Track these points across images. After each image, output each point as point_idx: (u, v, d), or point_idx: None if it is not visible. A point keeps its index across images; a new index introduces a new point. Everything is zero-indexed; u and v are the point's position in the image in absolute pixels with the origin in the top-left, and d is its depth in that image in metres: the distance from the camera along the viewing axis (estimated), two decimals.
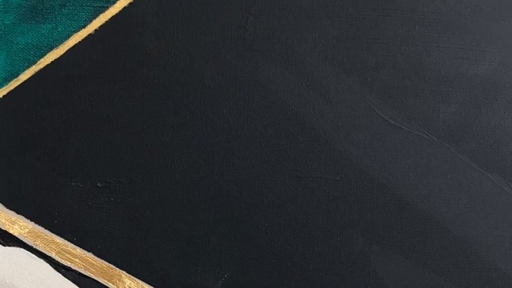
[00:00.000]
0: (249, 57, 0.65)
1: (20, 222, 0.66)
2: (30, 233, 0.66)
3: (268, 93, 0.66)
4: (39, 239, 0.66)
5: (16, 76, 0.65)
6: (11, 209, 0.66)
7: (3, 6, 0.65)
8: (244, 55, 0.65)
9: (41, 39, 0.65)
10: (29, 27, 0.65)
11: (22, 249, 0.66)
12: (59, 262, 0.66)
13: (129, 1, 0.65)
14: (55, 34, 0.65)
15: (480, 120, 0.66)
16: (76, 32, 0.65)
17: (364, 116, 0.66)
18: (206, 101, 0.65)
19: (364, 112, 0.66)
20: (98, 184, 0.66)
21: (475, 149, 0.66)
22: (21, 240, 0.66)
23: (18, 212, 0.66)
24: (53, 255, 0.66)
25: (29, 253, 0.66)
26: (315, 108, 0.66)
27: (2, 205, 0.66)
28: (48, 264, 0.66)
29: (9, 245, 0.66)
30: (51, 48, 0.65)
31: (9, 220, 0.66)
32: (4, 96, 0.65)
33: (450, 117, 0.66)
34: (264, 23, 0.65)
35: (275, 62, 0.65)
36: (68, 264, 0.66)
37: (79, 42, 0.65)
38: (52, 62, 0.65)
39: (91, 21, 0.65)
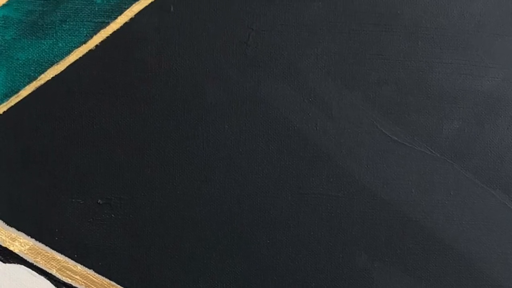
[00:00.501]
0: (251, 72, 0.65)
1: (20, 239, 0.65)
2: (30, 250, 0.65)
3: (270, 109, 0.65)
4: (39, 256, 0.65)
5: (17, 92, 0.65)
6: (11, 225, 0.65)
7: (3, 22, 0.65)
8: (246, 70, 0.65)
9: (41, 55, 0.65)
10: (29, 42, 0.65)
11: (22, 266, 0.65)
12: (59, 279, 0.65)
13: (130, 17, 0.65)
14: (55, 49, 0.65)
15: (484, 136, 0.66)
16: (77, 47, 0.65)
17: (366, 132, 0.65)
18: (208, 117, 0.65)
19: (366, 128, 0.65)
20: (99, 201, 0.65)
21: (478, 165, 0.66)
22: (22, 257, 0.65)
23: (18, 229, 0.65)
24: (53, 272, 0.65)
25: (30, 270, 0.65)
26: (317, 124, 0.65)
27: (2, 221, 0.65)
28: (48, 281, 0.65)
29: (10, 262, 0.65)
30: (51, 63, 0.65)
31: (9, 237, 0.65)
32: (4, 112, 0.65)
33: (453, 133, 0.65)
34: (266, 39, 0.65)
35: (277, 78, 0.65)
36: (69, 281, 0.65)
37: (80, 57, 0.65)
38: (52, 77, 0.65)
39: (92, 36, 0.65)
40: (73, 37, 0.65)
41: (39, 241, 0.65)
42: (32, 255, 0.65)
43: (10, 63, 0.65)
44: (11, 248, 0.65)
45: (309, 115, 0.65)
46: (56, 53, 0.65)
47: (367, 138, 0.65)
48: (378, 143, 0.65)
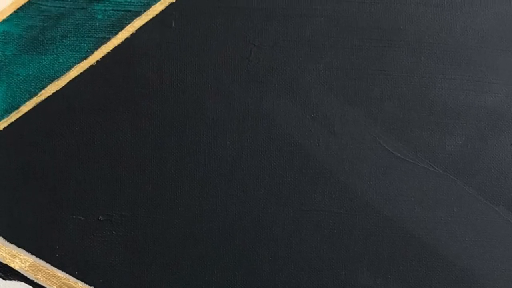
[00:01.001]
0: (253, 88, 0.65)
1: (21, 255, 0.65)
2: (31, 267, 0.65)
3: (272, 125, 0.65)
4: (40, 273, 0.65)
5: (17, 108, 0.65)
6: (11, 242, 0.65)
7: (3, 37, 0.64)
8: (247, 86, 0.65)
9: (42, 71, 0.65)
10: (30, 58, 0.65)
11: (23, 283, 0.65)
12: None
13: (131, 32, 0.64)
14: (56, 65, 0.65)
15: (487, 153, 0.65)
16: (77, 63, 0.64)
17: (369, 148, 0.65)
18: (209, 133, 0.65)
19: (369, 144, 0.65)
20: (100, 217, 0.65)
21: (481, 181, 0.65)
22: (22, 274, 0.65)
23: (19, 246, 0.65)
24: None
25: (30, 287, 0.65)
26: (319, 140, 0.65)
27: (2, 238, 0.65)
28: None
29: (10, 279, 0.65)
30: (52, 79, 0.65)
31: (9, 254, 0.65)
32: (5, 128, 0.65)
33: (456, 150, 0.65)
34: (268, 55, 0.65)
35: (279, 94, 0.65)
36: None
37: (81, 73, 0.65)
38: (53, 93, 0.64)
39: (92, 52, 0.64)
40: (74, 53, 0.65)
41: (40, 258, 0.65)
42: (33, 272, 0.65)
43: (11, 78, 0.65)
44: (11, 265, 0.65)
45: (311, 131, 0.65)
46: (57, 68, 0.65)
47: (370, 154, 0.65)
48: (380, 159, 0.65)
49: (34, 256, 0.65)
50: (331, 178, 0.65)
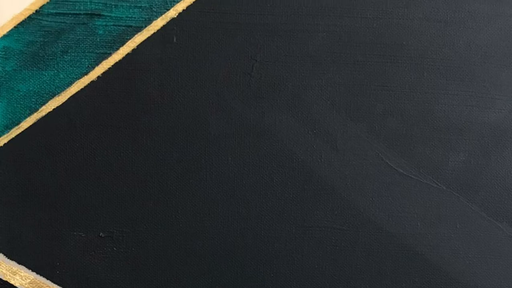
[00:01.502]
0: (255, 104, 0.64)
1: (21, 272, 0.64)
2: (31, 284, 0.64)
3: (274, 141, 0.64)
4: None
5: (18, 124, 0.64)
6: (12, 259, 0.64)
7: (4, 53, 0.64)
8: (249, 102, 0.64)
9: (42, 86, 0.64)
10: (30, 74, 0.64)
11: None
12: None
13: (133, 48, 0.64)
14: (57, 81, 0.64)
15: (490, 169, 0.65)
16: (78, 79, 0.64)
17: (371, 164, 0.65)
18: (211, 149, 0.64)
19: (371, 160, 0.65)
20: (100, 234, 0.64)
21: (484, 198, 0.65)
22: None
23: (19, 263, 0.64)
24: None
25: None
26: (321, 156, 0.64)
27: (3, 255, 0.64)
28: None
29: None
30: (53, 95, 0.64)
31: (10, 271, 0.64)
32: (5, 144, 0.64)
33: (460, 166, 0.65)
34: (269, 70, 0.64)
35: (281, 110, 0.64)
36: None
37: (82, 89, 0.64)
38: (54, 109, 0.64)
39: (93, 67, 0.64)
40: (75, 68, 0.64)
41: (40, 275, 0.64)
42: None
43: (11, 94, 0.64)
44: (12, 282, 0.64)
45: (313, 147, 0.64)
46: (58, 84, 0.64)
47: (372, 171, 0.65)
48: (383, 175, 0.65)
49: (34, 273, 0.64)
50: (333, 194, 0.65)
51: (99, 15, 0.64)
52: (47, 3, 0.64)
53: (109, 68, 0.64)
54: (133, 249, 0.65)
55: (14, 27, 0.64)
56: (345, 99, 0.64)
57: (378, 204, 0.65)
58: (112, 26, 0.64)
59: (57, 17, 0.64)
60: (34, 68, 0.64)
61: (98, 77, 0.64)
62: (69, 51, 0.64)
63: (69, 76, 0.64)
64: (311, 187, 0.65)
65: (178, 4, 0.64)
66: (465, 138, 0.65)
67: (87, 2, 0.64)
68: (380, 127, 0.64)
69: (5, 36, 0.64)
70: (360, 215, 0.65)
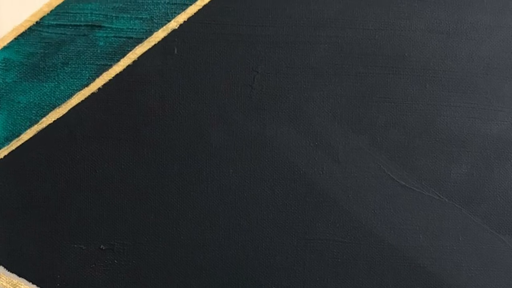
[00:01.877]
0: (256, 116, 0.64)
1: (22, 285, 0.64)
2: None
3: (275, 153, 0.64)
4: None
5: (18, 136, 0.64)
6: (12, 272, 0.64)
7: (4, 64, 0.64)
8: (250, 114, 0.64)
9: (43, 98, 0.64)
10: (31, 85, 0.64)
11: None
12: None
13: (133, 59, 0.64)
14: (57, 92, 0.64)
15: (493, 181, 0.65)
16: (79, 90, 0.64)
17: (373, 176, 0.64)
18: (212, 161, 0.64)
19: (373, 172, 0.64)
20: (101, 246, 0.64)
21: (487, 210, 0.65)
22: None
23: (19, 275, 0.64)
24: None
25: None
26: (323, 168, 0.64)
27: (3, 267, 0.64)
28: None
29: None
30: (53, 107, 0.64)
31: (10, 283, 0.64)
32: (5, 156, 0.64)
33: (462, 178, 0.64)
34: (271, 82, 0.64)
35: (283, 122, 0.64)
36: None
37: (82, 101, 0.64)
38: (54, 121, 0.64)
39: (94, 79, 0.64)
40: (75, 80, 0.64)
41: None
42: None
43: (11, 106, 0.64)
44: None
45: (315, 159, 0.64)
46: (58, 96, 0.64)
47: (374, 183, 0.64)
48: (385, 187, 0.64)
49: (35, 286, 0.64)
50: (335, 207, 0.64)
51: (100, 26, 0.64)
52: (48, 14, 0.63)
53: (109, 80, 0.64)
54: (134, 261, 0.64)
55: (15, 38, 0.64)
56: (347, 111, 0.64)
57: (380, 216, 0.64)
58: (112, 38, 0.64)
59: (58, 28, 0.64)
60: (35, 80, 0.64)
61: (99, 88, 0.64)
62: (69, 62, 0.64)
63: (70, 87, 0.64)
64: (312, 199, 0.64)
65: (179, 15, 0.64)
66: (467, 150, 0.64)
67: (87, 13, 0.64)
68: (382, 139, 0.64)
69: (5, 47, 0.64)
70: (362, 228, 0.65)
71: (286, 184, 0.64)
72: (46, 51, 0.64)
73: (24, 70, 0.64)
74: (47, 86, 0.64)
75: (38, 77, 0.64)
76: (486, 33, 0.64)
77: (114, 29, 0.64)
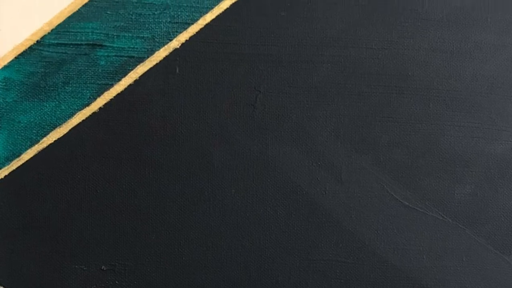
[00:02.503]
0: (258, 136, 0.64)
1: None
2: None
3: (277, 173, 0.64)
4: None
5: (18, 156, 0.63)
6: None
7: (4, 84, 0.63)
8: (253, 133, 0.64)
9: (44, 118, 0.64)
10: (31, 105, 0.64)
11: None
12: None
13: (135, 79, 0.63)
14: (58, 112, 0.64)
15: (497, 201, 0.64)
16: (80, 110, 0.63)
17: (376, 196, 0.64)
18: (214, 181, 0.63)
19: (376, 192, 0.64)
20: (102, 267, 0.64)
21: (491, 231, 0.64)
22: None
23: None
24: None
25: None
26: (326, 188, 0.64)
27: None
28: None
29: None
30: (54, 126, 0.63)
31: None
32: (6, 176, 0.63)
33: (466, 198, 0.64)
34: (273, 101, 0.63)
35: (285, 141, 0.64)
36: None
37: (83, 120, 0.63)
38: (55, 141, 0.63)
39: (95, 99, 0.63)
40: (76, 100, 0.63)
41: None
42: None
43: (12, 126, 0.63)
44: None
45: (318, 179, 0.64)
46: (59, 115, 0.64)
47: (377, 203, 0.64)
48: (388, 207, 0.64)
49: None
50: (338, 227, 0.64)
51: (101, 45, 0.63)
52: (48, 33, 0.63)
53: (111, 99, 0.63)
54: (135, 282, 0.64)
55: (15, 57, 0.63)
56: (350, 131, 0.64)
57: (383, 236, 0.64)
58: (114, 57, 0.63)
59: (58, 47, 0.63)
60: (35, 99, 0.63)
61: (100, 108, 0.63)
62: (70, 82, 0.63)
63: (71, 107, 0.64)
64: (315, 219, 0.64)
65: (181, 34, 0.63)
66: (471, 170, 0.64)
67: (88, 32, 0.63)
68: (385, 158, 0.64)
69: (5, 66, 0.63)
70: (365, 248, 0.64)
71: (288, 204, 0.64)
72: (46, 70, 0.63)
73: (24, 90, 0.63)
74: (47, 105, 0.64)
75: (39, 96, 0.63)
76: (490, 52, 0.64)
77: (116, 48, 0.63)
